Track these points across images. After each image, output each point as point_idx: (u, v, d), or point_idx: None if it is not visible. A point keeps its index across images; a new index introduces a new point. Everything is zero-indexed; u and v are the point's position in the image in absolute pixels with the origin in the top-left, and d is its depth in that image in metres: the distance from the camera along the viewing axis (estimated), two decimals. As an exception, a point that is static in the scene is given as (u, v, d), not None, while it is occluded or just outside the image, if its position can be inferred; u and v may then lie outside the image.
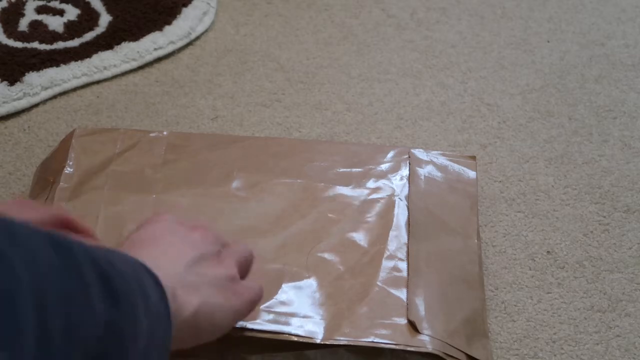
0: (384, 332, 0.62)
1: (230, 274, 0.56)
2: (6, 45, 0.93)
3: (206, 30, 0.98)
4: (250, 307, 0.58)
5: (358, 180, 0.74)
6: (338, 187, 0.73)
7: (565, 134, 0.87)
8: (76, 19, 0.97)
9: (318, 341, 0.61)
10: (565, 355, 0.67)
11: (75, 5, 0.99)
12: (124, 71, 0.92)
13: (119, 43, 0.94)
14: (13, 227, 0.36)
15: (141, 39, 0.94)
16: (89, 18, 0.97)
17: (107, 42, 0.94)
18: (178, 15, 0.98)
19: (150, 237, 0.56)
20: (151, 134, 0.77)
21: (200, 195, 0.72)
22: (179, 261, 0.54)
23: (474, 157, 0.78)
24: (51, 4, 0.99)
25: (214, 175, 0.74)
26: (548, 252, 0.75)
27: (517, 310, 0.70)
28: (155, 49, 0.94)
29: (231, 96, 0.90)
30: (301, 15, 1.01)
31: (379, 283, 0.66)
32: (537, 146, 0.85)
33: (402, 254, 0.68)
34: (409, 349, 0.62)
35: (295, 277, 0.66)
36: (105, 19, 0.97)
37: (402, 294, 0.65)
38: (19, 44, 0.93)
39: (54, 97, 0.88)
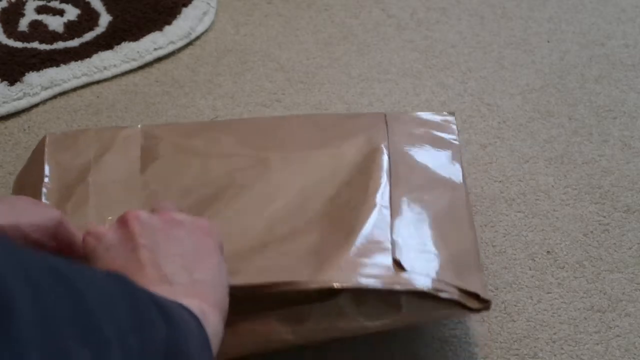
0: (370, 271, 0.61)
1: (178, 222, 0.55)
2: (6, 45, 0.93)
3: (206, 30, 0.98)
4: (214, 235, 0.57)
5: (336, 142, 0.73)
6: (314, 150, 0.73)
7: (565, 134, 0.87)
8: (76, 19, 0.97)
9: (306, 284, 0.60)
10: (565, 355, 0.67)
11: (75, 5, 0.99)
12: (124, 71, 0.92)
13: (119, 43, 0.94)
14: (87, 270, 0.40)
15: (141, 39, 0.94)
16: (89, 18, 0.97)
17: (107, 42, 0.94)
18: (178, 15, 0.98)
19: (134, 260, 0.53)
20: (124, 130, 0.75)
21: (184, 197, 0.70)
22: (162, 270, 0.52)
23: (452, 113, 0.78)
24: (51, 4, 0.99)
25: (195, 171, 0.72)
26: (548, 252, 0.75)
27: (517, 310, 0.70)
28: (155, 49, 0.94)
29: (231, 96, 0.90)
30: (301, 15, 1.01)
31: (363, 228, 0.65)
32: (537, 146, 0.85)
33: (385, 201, 0.68)
34: (395, 287, 0.61)
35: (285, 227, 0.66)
36: (105, 19, 0.97)
37: (386, 236, 0.65)
38: (19, 44, 0.93)
39: (54, 97, 0.88)
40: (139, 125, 0.75)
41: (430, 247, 0.65)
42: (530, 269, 0.73)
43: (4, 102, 0.86)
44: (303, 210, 0.68)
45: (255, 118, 0.82)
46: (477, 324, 0.68)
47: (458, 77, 0.93)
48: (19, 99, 0.87)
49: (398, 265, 0.62)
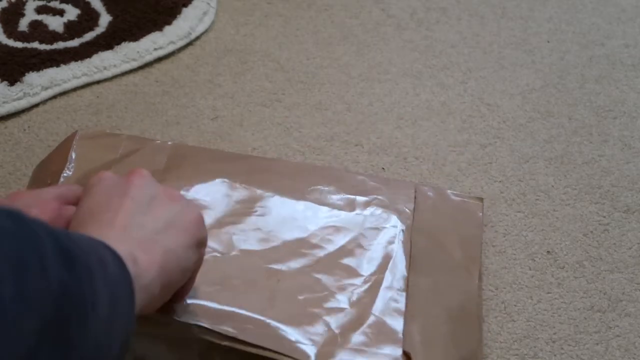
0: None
1: (177, 198, 0.56)
2: (6, 45, 0.93)
3: (206, 30, 0.98)
4: (201, 230, 0.56)
5: (362, 208, 0.72)
6: (341, 211, 0.71)
7: (565, 134, 0.87)
8: (76, 19, 0.97)
9: None
10: (565, 355, 0.67)
11: (75, 5, 0.99)
12: (124, 71, 0.92)
13: (119, 43, 0.94)
14: None
15: (141, 39, 0.94)
16: (89, 18, 0.97)
17: (107, 42, 0.94)
18: (178, 15, 0.98)
19: (93, 206, 0.54)
20: (155, 142, 0.76)
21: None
22: (129, 220, 0.52)
23: (481, 199, 0.75)
24: (51, 4, 0.99)
25: (217, 184, 0.72)
26: (548, 252, 0.75)
27: (517, 310, 0.70)
28: (155, 49, 0.94)
29: (231, 96, 0.90)
30: (301, 15, 1.01)
31: (375, 312, 0.64)
32: (537, 146, 0.85)
33: (401, 285, 0.66)
34: None
35: (289, 296, 0.64)
36: (105, 19, 0.97)
37: (398, 325, 0.63)
38: (19, 44, 0.93)
39: (54, 97, 0.88)
40: (169, 142, 0.76)
41: (440, 344, 0.63)
42: (530, 269, 0.73)
43: (4, 102, 0.86)
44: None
45: (286, 162, 0.80)
46: (477, 324, 0.68)
47: (458, 77, 0.93)
48: (19, 99, 0.87)
49: (407, 357, 0.61)
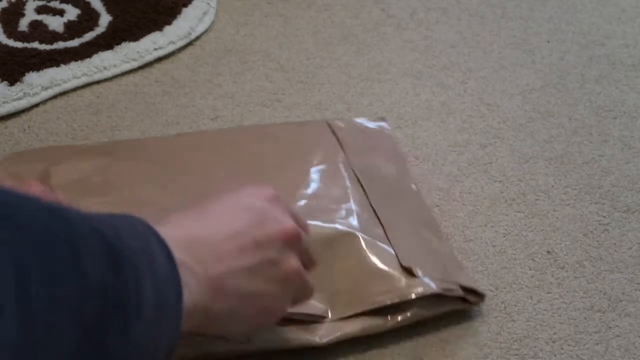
0: (386, 287, 0.64)
1: (294, 268, 0.52)
2: (6, 45, 0.93)
3: (206, 30, 0.98)
4: (291, 285, 0.53)
5: (296, 158, 0.74)
6: (282, 165, 0.74)
7: (565, 134, 0.86)
8: (76, 19, 0.97)
9: (328, 320, 0.63)
10: (565, 355, 0.67)
11: (75, 5, 0.99)
12: (124, 71, 0.92)
13: (119, 43, 0.94)
14: (6, 195, 0.35)
15: (141, 39, 0.94)
16: (89, 18, 0.97)
17: (107, 42, 0.94)
18: (178, 15, 0.98)
19: (202, 206, 0.51)
20: (75, 147, 0.78)
21: (160, 188, 0.70)
22: (219, 230, 0.49)
23: (383, 118, 0.83)
24: (51, 4, 0.99)
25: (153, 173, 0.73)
26: (548, 252, 0.75)
27: (517, 310, 0.70)
28: (155, 49, 0.94)
29: (231, 96, 0.89)
30: (301, 15, 1.01)
31: (361, 235, 0.67)
32: (537, 146, 0.85)
33: (368, 209, 0.70)
34: (413, 296, 0.64)
35: None
36: (105, 19, 0.97)
37: (386, 245, 0.67)
38: (19, 44, 0.93)
39: (54, 97, 0.88)
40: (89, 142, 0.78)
41: (425, 251, 0.68)
42: (530, 269, 0.73)
43: (4, 102, 0.86)
44: None
45: (200, 132, 0.82)
46: (477, 324, 0.68)
47: (458, 77, 0.93)
48: (19, 99, 0.87)
49: (408, 272, 0.65)
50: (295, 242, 0.53)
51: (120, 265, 0.39)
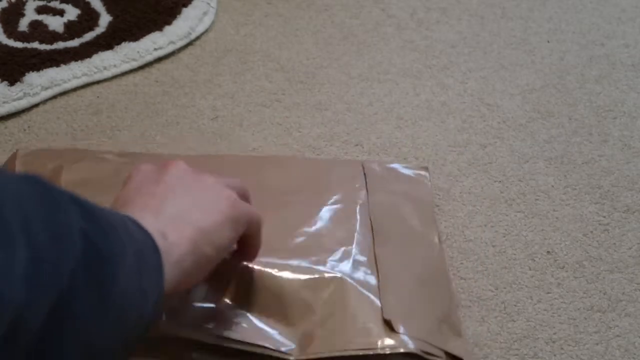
0: (360, 338, 0.60)
1: (209, 182, 0.57)
2: (6, 45, 0.93)
3: (206, 30, 0.98)
4: (248, 219, 0.58)
5: (315, 193, 0.73)
6: (295, 198, 0.72)
7: (565, 134, 0.87)
8: (76, 19, 0.97)
9: (292, 359, 0.59)
10: (565, 355, 0.67)
11: (75, 5, 0.99)
12: (124, 71, 0.92)
13: (119, 43, 0.94)
14: None
15: (141, 39, 0.94)
16: (89, 18, 0.97)
17: (107, 42, 0.94)
18: (178, 15, 0.98)
19: (129, 193, 0.56)
20: (97, 150, 0.78)
21: None
22: (161, 203, 0.54)
23: (426, 168, 0.78)
24: (51, 4, 0.99)
25: None
26: (548, 252, 0.75)
27: (517, 310, 0.70)
28: (155, 49, 0.94)
29: (231, 96, 0.90)
30: (301, 15, 1.01)
31: (349, 281, 0.64)
32: (537, 146, 0.85)
33: (369, 255, 0.67)
34: (387, 351, 0.60)
35: (267, 280, 0.64)
36: (105, 19, 0.97)
37: (374, 295, 0.63)
38: (19, 44, 0.93)
39: (54, 97, 0.88)
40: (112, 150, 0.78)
41: (418, 308, 0.64)
42: (530, 269, 0.73)
43: (4, 102, 0.86)
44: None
45: (237, 156, 0.81)
46: (477, 324, 0.68)
47: (458, 77, 0.93)
48: (19, 99, 0.87)
49: (389, 326, 0.61)
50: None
51: (97, 219, 0.44)
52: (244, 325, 0.61)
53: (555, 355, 0.67)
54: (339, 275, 0.64)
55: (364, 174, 0.76)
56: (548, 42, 0.98)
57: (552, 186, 0.81)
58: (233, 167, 0.76)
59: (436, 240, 0.71)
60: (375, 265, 0.66)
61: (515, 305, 0.70)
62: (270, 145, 0.83)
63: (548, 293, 0.71)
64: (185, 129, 0.85)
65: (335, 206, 0.72)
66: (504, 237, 0.76)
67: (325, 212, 0.71)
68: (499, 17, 1.02)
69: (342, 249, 0.67)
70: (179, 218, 0.53)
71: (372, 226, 0.70)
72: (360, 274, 0.65)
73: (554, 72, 0.94)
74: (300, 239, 0.68)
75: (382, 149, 0.83)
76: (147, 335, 0.49)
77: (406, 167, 0.78)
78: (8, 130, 0.85)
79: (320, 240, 0.68)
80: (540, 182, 0.81)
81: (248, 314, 0.62)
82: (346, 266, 0.66)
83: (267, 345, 0.60)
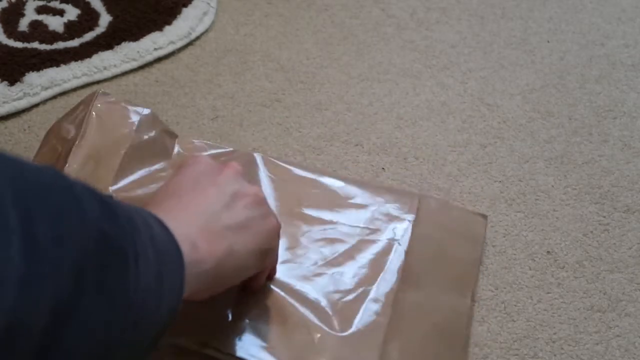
0: None
1: (261, 203, 0.56)
2: (6, 45, 0.93)
3: (206, 30, 0.98)
4: (276, 251, 0.58)
5: (359, 217, 0.71)
6: (337, 224, 0.70)
7: (565, 134, 0.87)
8: (76, 19, 0.97)
9: None
10: (565, 355, 0.67)
11: (75, 5, 0.99)
12: (124, 71, 0.92)
13: (119, 43, 0.94)
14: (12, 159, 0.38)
15: (141, 39, 0.94)
16: (89, 18, 0.97)
17: (107, 42, 0.94)
18: (178, 15, 0.98)
19: (177, 186, 0.55)
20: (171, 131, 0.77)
21: None
22: (205, 208, 0.52)
23: (485, 216, 0.74)
24: (51, 4, 0.99)
25: None
26: (548, 252, 0.75)
27: (517, 310, 0.70)
28: (155, 49, 0.94)
29: (231, 96, 0.90)
30: (301, 15, 1.01)
31: (355, 326, 0.62)
32: (537, 146, 0.85)
33: (388, 298, 0.65)
34: None
35: (280, 309, 0.63)
36: (105, 19, 0.97)
37: (377, 340, 0.62)
38: (19, 44, 0.93)
39: (54, 97, 0.88)
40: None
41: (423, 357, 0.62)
42: (530, 269, 0.73)
43: (4, 102, 0.86)
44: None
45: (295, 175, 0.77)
46: (477, 324, 0.68)
47: (458, 77, 0.93)
48: (19, 99, 0.87)
49: None
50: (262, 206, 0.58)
51: (116, 217, 0.41)
52: (239, 338, 0.61)
53: (555, 355, 0.67)
54: (333, 334, 0.62)
55: (418, 208, 0.72)
56: (548, 42, 0.98)
57: (552, 186, 0.81)
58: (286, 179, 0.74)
59: (468, 296, 0.68)
60: (391, 306, 0.64)
61: (515, 305, 0.70)
62: (270, 145, 0.83)
63: (548, 293, 0.71)
64: (185, 129, 0.85)
65: (371, 238, 0.69)
66: (504, 237, 0.76)
67: (360, 245, 0.69)
68: (499, 17, 1.02)
69: (361, 289, 0.65)
70: (215, 233, 0.52)
71: (404, 263, 0.67)
72: (373, 313, 0.63)
73: (554, 72, 0.94)
74: (321, 270, 0.66)
75: (382, 149, 0.83)
76: (158, 344, 0.47)
77: (464, 210, 0.74)
78: (8, 130, 0.85)
79: (341, 278, 0.66)
80: (540, 182, 0.81)
81: (246, 329, 0.61)
82: (360, 302, 0.64)
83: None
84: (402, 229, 0.70)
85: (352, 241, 0.69)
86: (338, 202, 0.72)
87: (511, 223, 0.77)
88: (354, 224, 0.70)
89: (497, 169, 0.82)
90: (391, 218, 0.71)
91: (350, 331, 0.62)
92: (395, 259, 0.68)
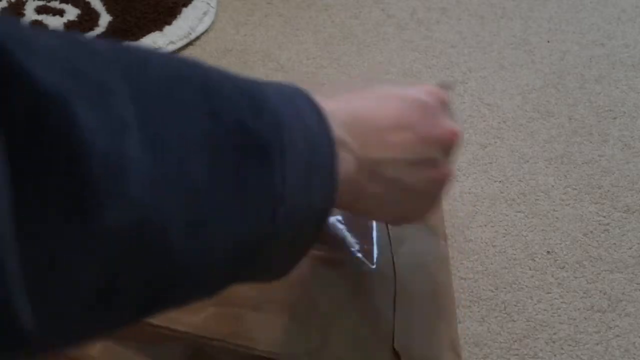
0: None
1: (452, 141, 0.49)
2: (6, 45, 0.93)
3: (206, 30, 0.98)
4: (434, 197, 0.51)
5: None
6: None
7: (565, 134, 0.86)
8: (76, 19, 0.97)
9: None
10: (565, 355, 0.67)
11: (75, 5, 0.99)
12: (124, 71, 0.92)
13: (119, 43, 0.94)
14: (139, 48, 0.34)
15: (141, 39, 0.94)
16: (89, 18, 0.97)
17: (107, 42, 0.94)
18: (178, 15, 0.98)
19: (367, 90, 0.47)
20: None
21: None
22: (383, 118, 0.46)
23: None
24: (51, 4, 0.99)
25: None
26: (548, 252, 0.75)
27: (517, 310, 0.70)
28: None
29: (231, 96, 0.89)
30: (301, 15, 1.01)
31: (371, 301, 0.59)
32: (537, 146, 0.85)
33: (387, 259, 0.61)
34: None
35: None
36: (105, 19, 0.97)
37: (389, 314, 0.59)
38: (19, 44, 0.93)
39: (54, 97, 0.88)
40: None
41: (427, 334, 0.60)
42: (530, 269, 0.73)
43: (4, 102, 0.86)
44: None
45: None
46: (477, 324, 0.68)
47: (458, 77, 0.93)
48: (19, 99, 0.87)
49: (397, 357, 0.58)
50: (454, 148, 0.51)
51: (261, 110, 0.37)
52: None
53: (555, 355, 0.67)
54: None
55: None
56: (548, 42, 0.98)
57: (552, 186, 0.81)
58: None
59: (441, 237, 0.68)
60: (393, 269, 0.61)
61: (515, 305, 0.70)
62: (270, 145, 0.83)
63: (548, 293, 0.71)
64: (185, 129, 0.85)
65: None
66: (504, 237, 0.76)
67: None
68: (499, 17, 1.02)
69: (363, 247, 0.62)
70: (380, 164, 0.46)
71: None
72: (379, 276, 0.61)
73: (554, 72, 0.94)
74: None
75: (382, 149, 0.83)
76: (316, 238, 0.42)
77: None
78: (8, 130, 0.85)
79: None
80: (540, 182, 0.81)
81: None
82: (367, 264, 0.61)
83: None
84: None
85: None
86: None
87: (511, 223, 0.77)
88: None
89: (497, 169, 0.82)
90: None
91: (358, 309, 0.59)
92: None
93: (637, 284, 0.73)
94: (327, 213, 0.41)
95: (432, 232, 0.68)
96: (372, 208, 0.49)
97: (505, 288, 0.72)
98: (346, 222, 0.64)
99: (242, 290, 0.55)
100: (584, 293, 0.72)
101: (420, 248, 0.66)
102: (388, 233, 0.64)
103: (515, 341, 0.68)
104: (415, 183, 0.49)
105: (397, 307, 0.60)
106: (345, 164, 0.43)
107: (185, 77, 0.35)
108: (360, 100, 0.47)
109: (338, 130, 0.42)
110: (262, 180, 0.36)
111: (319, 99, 0.42)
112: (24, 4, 0.99)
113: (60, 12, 0.98)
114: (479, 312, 0.69)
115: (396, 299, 0.60)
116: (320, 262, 0.57)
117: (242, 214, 0.35)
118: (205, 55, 0.95)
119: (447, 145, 0.50)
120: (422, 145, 0.48)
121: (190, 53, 0.95)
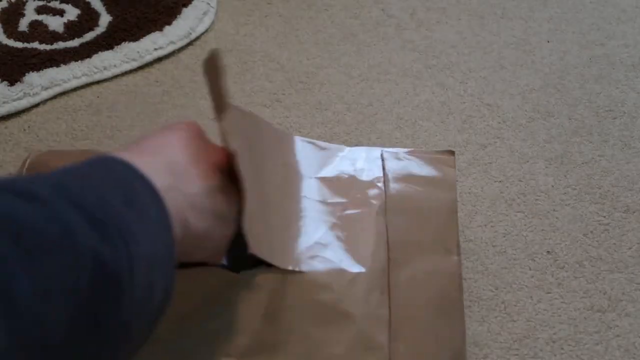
0: None
1: (232, 205, 0.54)
2: (6, 45, 0.93)
3: (206, 30, 0.98)
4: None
5: (331, 192, 0.65)
6: (310, 198, 0.64)
7: (565, 134, 0.87)
8: (76, 19, 0.97)
9: None
10: (565, 355, 0.67)
11: (75, 5, 0.99)
12: (124, 71, 0.92)
13: (119, 43, 0.94)
14: None
15: (141, 39, 0.94)
16: (89, 18, 0.97)
17: (107, 42, 0.94)
18: (178, 16, 0.98)
19: (164, 145, 0.52)
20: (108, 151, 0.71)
21: None
22: (196, 183, 0.50)
23: (452, 152, 0.68)
24: (51, 4, 0.99)
25: None
26: (548, 252, 0.75)
27: (517, 310, 0.70)
28: (155, 49, 0.94)
29: (231, 96, 0.89)
30: (301, 15, 1.01)
31: (358, 322, 0.57)
32: (537, 146, 0.85)
33: (382, 284, 0.60)
34: None
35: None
36: (105, 19, 0.97)
37: (384, 331, 0.58)
38: (19, 44, 0.93)
39: (54, 97, 0.88)
40: None
41: (425, 348, 0.59)
42: (530, 269, 0.73)
43: (4, 102, 0.86)
44: None
45: None
46: (477, 324, 0.68)
47: (458, 77, 0.93)
48: (19, 99, 0.87)
49: None
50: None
51: (107, 231, 0.39)
52: None
53: (555, 355, 0.67)
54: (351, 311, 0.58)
55: (383, 167, 0.67)
56: (548, 42, 0.98)
57: (552, 186, 0.81)
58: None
59: (454, 252, 0.62)
60: (387, 293, 0.59)
61: (515, 305, 0.70)
62: (270, 145, 0.83)
63: (548, 293, 0.71)
64: (185, 129, 0.85)
65: (350, 212, 0.63)
66: (504, 237, 0.76)
67: (340, 220, 0.63)
68: (499, 17, 1.02)
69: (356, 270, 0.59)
70: (203, 211, 0.50)
71: (387, 239, 0.62)
72: (374, 306, 0.59)
73: (554, 72, 0.94)
74: (311, 253, 0.60)
75: (382, 149, 0.83)
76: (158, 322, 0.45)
77: (429, 156, 0.68)
78: (8, 130, 0.85)
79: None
80: (540, 182, 0.81)
81: None
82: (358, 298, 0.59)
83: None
84: (375, 194, 0.65)
85: (333, 219, 0.63)
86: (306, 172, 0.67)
87: (511, 223, 0.77)
88: (329, 198, 0.64)
89: (497, 169, 0.82)
90: (361, 184, 0.65)
91: (352, 333, 0.58)
92: (379, 231, 0.62)
93: (637, 284, 0.73)
94: (170, 291, 0.45)
95: (443, 248, 0.63)
96: (199, 246, 0.52)
97: (505, 288, 0.72)
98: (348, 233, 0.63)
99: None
100: (584, 293, 0.72)
101: (426, 268, 0.61)
102: (387, 255, 0.61)
103: (515, 341, 0.68)
104: (225, 207, 0.54)
105: (393, 336, 0.58)
106: (174, 212, 0.46)
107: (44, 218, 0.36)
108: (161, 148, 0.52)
109: (163, 182, 0.46)
110: (114, 314, 0.39)
111: (138, 159, 0.46)
112: (24, 4, 0.99)
113: (61, 12, 0.98)
114: (479, 312, 0.69)
115: (391, 322, 0.59)
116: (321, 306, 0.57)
117: (96, 341, 0.38)
118: (205, 55, 0.95)
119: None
120: (217, 174, 0.55)
121: (191, 53, 0.95)
